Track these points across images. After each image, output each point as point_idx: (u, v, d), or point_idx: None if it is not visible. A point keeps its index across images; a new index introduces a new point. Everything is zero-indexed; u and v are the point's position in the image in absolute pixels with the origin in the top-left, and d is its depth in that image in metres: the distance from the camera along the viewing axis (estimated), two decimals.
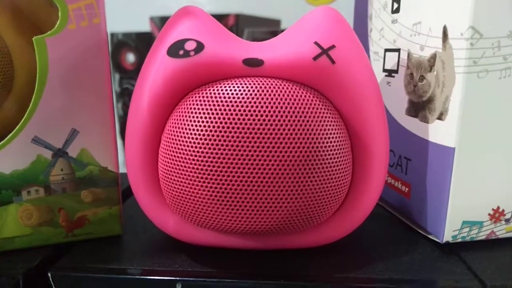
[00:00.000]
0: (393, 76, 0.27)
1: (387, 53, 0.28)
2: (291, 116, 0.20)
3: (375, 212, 0.24)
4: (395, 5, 0.27)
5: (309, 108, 0.20)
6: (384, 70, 0.29)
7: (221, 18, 0.70)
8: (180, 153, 0.20)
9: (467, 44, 0.21)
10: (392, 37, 0.27)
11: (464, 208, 0.23)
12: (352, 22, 0.33)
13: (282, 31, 0.75)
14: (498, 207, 0.23)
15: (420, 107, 0.25)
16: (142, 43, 0.72)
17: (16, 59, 0.24)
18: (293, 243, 0.23)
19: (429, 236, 0.25)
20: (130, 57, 0.73)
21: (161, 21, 0.71)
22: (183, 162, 0.20)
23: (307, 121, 0.20)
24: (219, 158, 0.20)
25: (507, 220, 0.24)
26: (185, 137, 0.20)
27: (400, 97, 0.27)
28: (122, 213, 0.25)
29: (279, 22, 0.74)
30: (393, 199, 0.29)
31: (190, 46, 0.21)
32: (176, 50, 0.21)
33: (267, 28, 0.70)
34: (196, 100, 0.20)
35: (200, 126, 0.20)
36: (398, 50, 0.27)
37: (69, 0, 0.21)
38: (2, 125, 0.25)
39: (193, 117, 0.20)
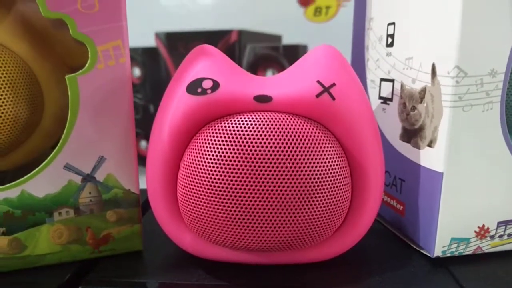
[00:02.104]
0: (388, 104, 0.30)
1: (383, 82, 0.31)
2: (296, 146, 0.22)
3: (372, 227, 0.26)
4: (389, 40, 0.30)
5: (312, 139, 0.23)
6: (380, 98, 0.31)
7: (224, 34, 0.73)
8: (197, 179, 0.23)
9: (453, 82, 0.24)
10: (387, 68, 0.30)
11: (452, 226, 0.26)
12: (350, 51, 0.36)
13: (283, 46, 0.76)
14: (483, 225, 0.26)
15: (412, 134, 0.27)
16: (148, 58, 0.74)
17: (47, 94, 0.26)
18: (298, 258, 0.26)
19: (422, 251, 0.27)
20: (136, 72, 0.75)
21: (166, 37, 0.74)
22: (200, 187, 0.23)
23: (310, 150, 0.22)
24: (232, 184, 0.22)
25: (491, 237, 0.26)
26: (202, 165, 0.23)
27: (394, 123, 0.29)
28: (142, 231, 0.28)
29: (280, 38, 0.76)
30: (389, 216, 0.31)
31: (207, 84, 0.23)
32: (194, 88, 0.23)
33: (269, 44, 0.73)
34: (212, 132, 0.23)
35: (215, 155, 0.22)
36: (392, 80, 0.29)
37: (98, 42, 0.24)
38: (29, 154, 0.28)
39: (209, 147, 0.23)
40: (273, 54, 0.72)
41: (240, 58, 0.73)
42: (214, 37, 0.73)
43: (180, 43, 0.73)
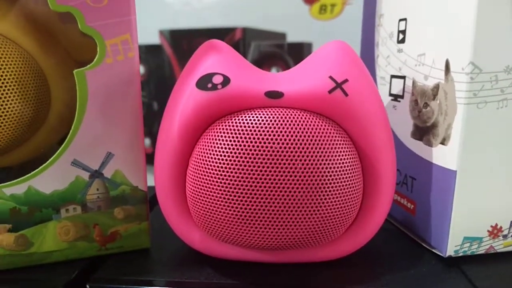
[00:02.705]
0: (399, 101, 0.30)
1: (393, 79, 0.30)
2: (308, 143, 0.22)
3: (383, 226, 0.26)
4: (401, 36, 0.29)
5: (323, 136, 0.22)
6: (390, 95, 0.31)
7: (228, 31, 0.73)
8: (207, 176, 0.22)
9: (468, 78, 0.23)
10: (398, 65, 0.30)
11: (465, 225, 0.25)
12: (355, 49, 0.35)
13: (288, 44, 0.76)
14: (496, 224, 0.26)
15: (424, 131, 0.27)
16: (152, 55, 0.74)
17: (53, 90, 0.26)
18: (308, 257, 0.25)
19: (433, 250, 0.27)
20: (140, 69, 0.75)
21: (170, 34, 0.73)
22: (210, 184, 0.22)
23: (322, 147, 0.22)
24: (242, 181, 0.22)
25: (504, 236, 0.26)
26: (212, 161, 0.22)
27: (405, 121, 0.29)
28: (150, 228, 0.27)
29: (285, 35, 0.76)
30: (400, 215, 0.31)
31: (217, 80, 0.23)
32: (204, 83, 0.23)
33: (273, 41, 0.72)
34: (222, 128, 0.23)
35: (225, 152, 0.22)
36: (403, 77, 0.29)
37: (106, 36, 0.24)
38: (34, 150, 0.27)
39: (219, 143, 0.22)
40: (278, 52, 0.72)
41: (244, 56, 0.72)
42: (219, 35, 0.72)
43: (184, 41, 0.73)
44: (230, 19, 0.74)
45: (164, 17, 0.77)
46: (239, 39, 0.72)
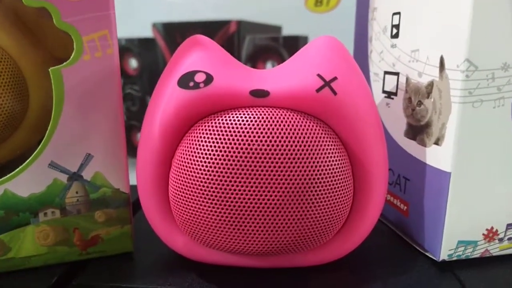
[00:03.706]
0: (392, 98, 0.29)
1: (387, 76, 0.29)
2: (295, 144, 0.21)
3: (375, 227, 0.25)
4: (394, 30, 0.28)
5: (311, 136, 0.21)
6: (384, 92, 0.30)
7: (223, 24, 0.71)
8: (190, 178, 0.21)
9: (463, 76, 0.22)
10: (391, 60, 0.28)
11: (459, 228, 0.24)
12: (352, 43, 0.34)
13: (283, 37, 0.75)
14: (492, 227, 0.25)
15: (418, 130, 0.26)
16: (145, 49, 0.73)
17: (32, 89, 0.25)
18: (297, 262, 0.24)
19: (426, 254, 0.26)
20: (133, 63, 0.74)
21: (164, 28, 0.72)
22: (193, 187, 0.21)
23: (310, 148, 0.21)
24: (227, 184, 0.21)
25: (500, 239, 0.25)
26: (195, 163, 0.21)
27: (399, 119, 0.28)
28: (133, 232, 0.26)
29: (280, 29, 0.75)
30: (392, 216, 0.30)
31: (199, 78, 0.22)
32: (186, 81, 0.22)
33: (268, 35, 0.71)
34: (206, 129, 0.22)
35: (209, 153, 0.21)
36: (397, 73, 0.28)
37: (83, 32, 0.22)
38: (13, 150, 0.26)
39: (203, 144, 0.21)
40: (273, 45, 0.70)
41: (239, 49, 0.71)
42: (213, 28, 0.71)
43: (178, 34, 0.71)
44: (224, 12, 0.73)
45: (157, 10, 0.76)
46: (234, 32, 0.71)
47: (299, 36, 0.70)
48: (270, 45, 0.71)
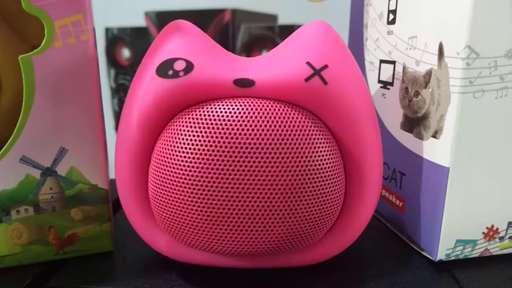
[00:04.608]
0: (388, 89, 0.27)
1: (383, 64, 0.28)
2: (282, 138, 0.19)
3: (369, 224, 0.23)
4: (391, 16, 0.26)
5: (300, 130, 0.20)
6: (379, 81, 0.28)
7: (217, 13, 0.69)
8: (170, 174, 0.20)
9: (463, 64, 0.20)
10: (388, 48, 0.27)
11: (458, 227, 0.23)
12: (347, 30, 0.32)
13: (279, 26, 0.73)
14: (493, 226, 0.23)
15: (415, 122, 0.24)
16: (137, 38, 0.71)
17: (3, 78, 0.23)
18: (287, 262, 0.23)
19: (423, 253, 0.25)
20: (125, 53, 0.72)
21: (157, 16, 0.70)
22: (173, 183, 0.20)
23: (299, 142, 0.20)
24: (209, 180, 0.19)
25: (501, 238, 0.24)
26: (175, 158, 0.20)
27: (395, 110, 0.26)
28: (113, 230, 0.25)
29: (276, 17, 0.73)
30: (387, 212, 0.28)
31: (179, 66, 0.20)
32: (165, 70, 0.20)
33: (264, 24, 0.69)
34: (186, 121, 0.20)
35: (190, 147, 0.19)
36: (393, 62, 0.26)
37: (55, 17, 0.21)
38: None
39: (183, 138, 0.20)
40: (269, 35, 0.69)
41: (234, 39, 0.70)
42: (207, 17, 0.69)
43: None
44: (219, 0, 0.71)
45: None
46: (228, 21, 0.69)
47: (295, 25, 0.68)
48: (266, 34, 0.70)
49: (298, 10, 0.68)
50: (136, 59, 0.70)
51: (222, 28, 0.70)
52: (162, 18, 0.72)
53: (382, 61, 0.28)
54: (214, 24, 0.71)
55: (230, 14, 0.71)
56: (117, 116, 0.73)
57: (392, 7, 0.26)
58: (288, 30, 0.68)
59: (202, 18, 0.71)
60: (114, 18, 0.70)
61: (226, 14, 0.71)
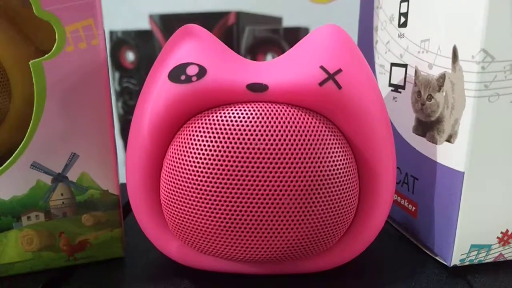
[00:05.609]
0: (400, 92, 0.27)
1: (394, 68, 0.27)
2: (296, 143, 0.19)
3: (382, 229, 0.23)
4: (402, 19, 0.26)
5: (314, 134, 0.20)
6: (390, 85, 0.28)
7: (221, 16, 0.69)
8: (182, 180, 0.20)
9: (478, 68, 0.20)
10: (399, 51, 0.27)
11: (472, 232, 0.23)
12: (355, 34, 0.32)
13: (284, 29, 0.73)
14: (507, 230, 0.23)
15: (428, 126, 0.24)
16: (142, 41, 0.71)
17: (13, 83, 0.23)
18: (299, 268, 0.23)
19: (436, 258, 0.24)
20: (130, 56, 0.72)
21: (161, 19, 0.70)
22: (186, 189, 0.20)
23: (313, 147, 0.19)
24: (223, 186, 0.19)
25: None
26: (188, 164, 0.20)
27: (407, 114, 0.26)
28: (123, 236, 0.25)
29: (281, 20, 0.73)
30: (400, 217, 0.28)
31: (192, 71, 0.20)
32: (177, 75, 0.20)
33: (268, 26, 0.69)
34: (199, 126, 0.20)
35: (203, 153, 0.19)
36: (405, 65, 0.26)
37: (66, 21, 0.21)
38: None
39: (196, 143, 0.20)
40: (273, 37, 0.68)
41: (238, 41, 0.69)
42: (211, 19, 0.69)
43: (175, 26, 0.69)
44: (223, 3, 0.71)
45: (154, 1, 0.74)
46: (233, 24, 0.69)
47: (300, 28, 0.68)
48: (270, 37, 0.70)
49: (303, 12, 0.68)
50: (141, 62, 0.70)
51: (226, 31, 0.70)
52: (167, 21, 0.72)
53: (393, 64, 0.27)
54: (219, 26, 0.71)
55: (234, 17, 0.71)
56: (122, 119, 0.73)
57: (403, 10, 0.26)
58: (292, 32, 0.68)
59: (206, 21, 0.71)
60: (118, 21, 0.70)
61: (230, 16, 0.71)
